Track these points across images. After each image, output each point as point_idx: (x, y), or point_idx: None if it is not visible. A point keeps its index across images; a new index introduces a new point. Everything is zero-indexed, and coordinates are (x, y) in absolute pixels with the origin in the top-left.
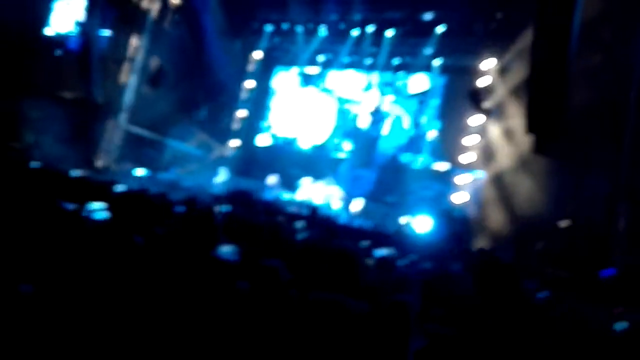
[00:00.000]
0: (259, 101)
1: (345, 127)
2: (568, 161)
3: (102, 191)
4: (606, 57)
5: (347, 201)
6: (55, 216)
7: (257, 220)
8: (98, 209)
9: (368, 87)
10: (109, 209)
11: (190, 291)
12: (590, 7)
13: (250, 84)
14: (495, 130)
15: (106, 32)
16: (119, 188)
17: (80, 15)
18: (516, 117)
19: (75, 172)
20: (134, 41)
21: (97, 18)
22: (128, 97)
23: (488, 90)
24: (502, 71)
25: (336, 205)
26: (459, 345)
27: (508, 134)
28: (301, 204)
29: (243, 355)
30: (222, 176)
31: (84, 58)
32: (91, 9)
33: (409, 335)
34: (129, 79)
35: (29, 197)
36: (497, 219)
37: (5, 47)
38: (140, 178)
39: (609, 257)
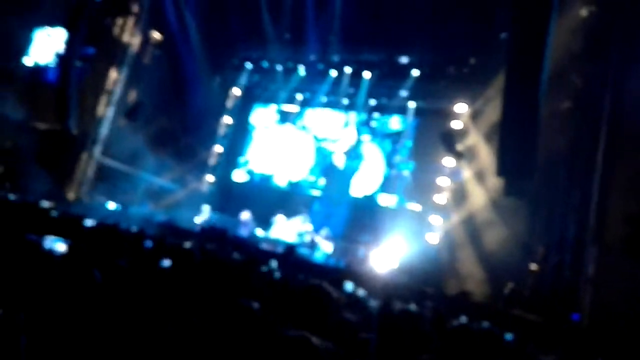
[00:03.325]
0: (237, 137)
1: (321, 165)
2: (538, 205)
3: (70, 224)
4: (575, 102)
5: (320, 239)
6: (18, 247)
7: (230, 258)
8: (59, 241)
9: (344, 126)
10: (74, 242)
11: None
12: (561, 55)
13: (228, 119)
14: (467, 173)
15: (85, 64)
16: (88, 222)
17: (60, 46)
18: (487, 160)
19: (45, 204)
20: (113, 74)
21: (76, 50)
22: (104, 129)
23: (460, 133)
24: (474, 115)
25: (310, 243)
26: None
27: (479, 176)
28: (275, 242)
29: None
30: (204, 214)
31: (61, 89)
32: (71, 40)
33: None
34: (106, 111)
35: None
36: (468, 260)
37: None
38: (112, 211)
39: (576, 301)
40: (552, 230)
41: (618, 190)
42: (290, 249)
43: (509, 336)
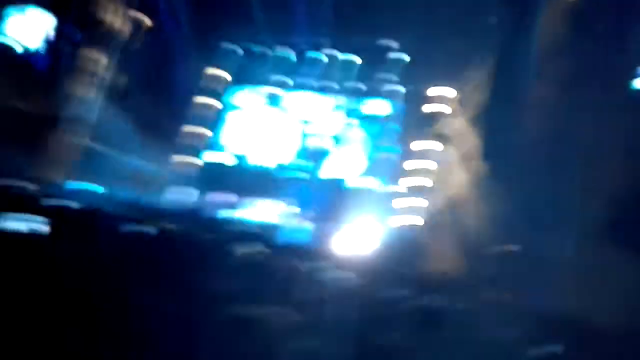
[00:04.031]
0: (220, 119)
1: (307, 148)
2: (519, 188)
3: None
4: (561, 87)
5: (301, 221)
6: None
7: (207, 239)
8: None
9: (332, 110)
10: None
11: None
12: (548, 40)
13: (213, 102)
14: (451, 156)
15: (72, 47)
16: (71, 204)
17: (47, 29)
18: (472, 144)
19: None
20: (100, 57)
21: (64, 35)
22: (91, 113)
23: (447, 117)
24: (461, 99)
25: (289, 224)
26: None
27: (464, 160)
28: (252, 223)
29: None
30: (185, 195)
31: (48, 74)
32: (59, 23)
33: None
34: (93, 95)
35: None
36: (449, 242)
37: None
38: (95, 194)
39: (554, 284)
40: (532, 213)
41: (598, 174)
42: (266, 228)
43: (486, 317)
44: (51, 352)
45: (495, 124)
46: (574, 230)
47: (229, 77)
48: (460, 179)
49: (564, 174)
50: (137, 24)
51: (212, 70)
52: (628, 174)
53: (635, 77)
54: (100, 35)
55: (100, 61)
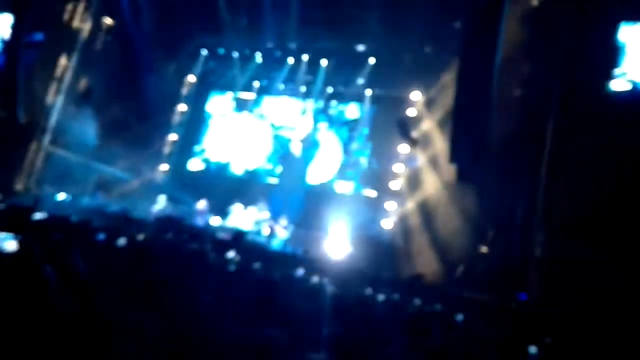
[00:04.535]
0: (192, 125)
1: (278, 152)
2: (488, 189)
3: (17, 217)
4: (526, 90)
5: (277, 227)
6: None
7: (186, 249)
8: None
9: (301, 114)
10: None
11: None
12: (512, 44)
13: (183, 107)
14: (421, 159)
15: (33, 50)
16: (37, 215)
17: (6, 31)
18: (441, 147)
19: None
20: (63, 61)
21: (23, 35)
22: (53, 117)
23: (415, 120)
24: (429, 102)
25: (266, 231)
26: None
27: (433, 162)
28: (231, 230)
29: None
30: (160, 204)
31: (7, 76)
32: (17, 25)
33: None
34: (56, 99)
35: None
36: (421, 244)
37: None
38: (62, 203)
39: (524, 282)
40: (501, 214)
41: (565, 175)
42: (239, 235)
43: (459, 317)
44: None
45: (464, 126)
46: (544, 230)
47: (198, 82)
48: (430, 182)
49: (531, 175)
50: (99, 25)
51: (180, 75)
52: (599, 174)
53: (607, 78)
54: (63, 38)
55: (64, 64)
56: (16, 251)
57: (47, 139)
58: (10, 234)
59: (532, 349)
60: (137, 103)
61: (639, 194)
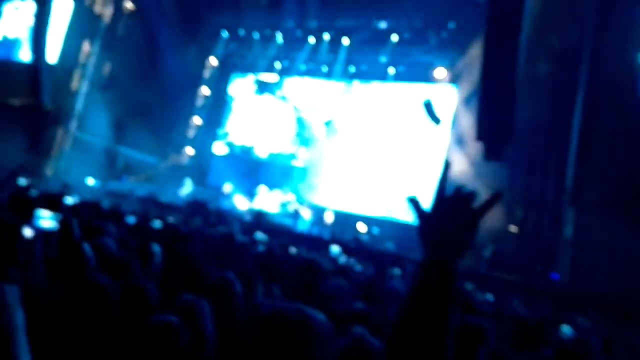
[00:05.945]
0: (215, 108)
1: (302, 135)
2: (517, 168)
3: (50, 202)
4: (553, 65)
5: (302, 208)
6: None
7: (213, 232)
8: (45, 217)
9: (322, 94)
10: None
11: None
12: (539, 17)
13: (206, 90)
14: (446, 137)
15: (57, 38)
16: (69, 200)
17: (30, 20)
18: (467, 125)
19: (23, 181)
20: (86, 47)
21: (47, 23)
22: (79, 104)
23: (440, 98)
24: (454, 79)
25: (293, 213)
26: None
27: (459, 140)
28: (255, 212)
29: None
30: (187, 187)
31: (33, 64)
32: (41, 14)
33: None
34: (80, 85)
35: None
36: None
37: None
38: (91, 187)
39: (556, 261)
40: (531, 193)
41: (595, 152)
42: (259, 215)
43: (489, 297)
44: None
45: (490, 104)
46: (574, 208)
47: (219, 64)
48: (456, 161)
49: (561, 152)
50: (121, 10)
51: (202, 57)
52: (630, 150)
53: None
54: (85, 23)
55: (87, 50)
56: (57, 229)
57: (73, 124)
58: (50, 213)
59: (566, 329)
60: (160, 87)
61: None
